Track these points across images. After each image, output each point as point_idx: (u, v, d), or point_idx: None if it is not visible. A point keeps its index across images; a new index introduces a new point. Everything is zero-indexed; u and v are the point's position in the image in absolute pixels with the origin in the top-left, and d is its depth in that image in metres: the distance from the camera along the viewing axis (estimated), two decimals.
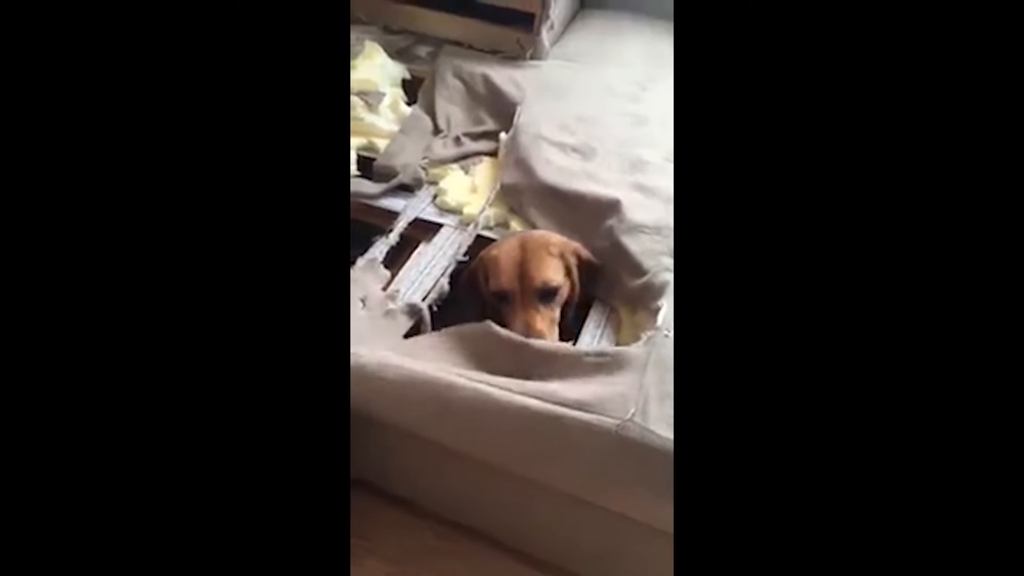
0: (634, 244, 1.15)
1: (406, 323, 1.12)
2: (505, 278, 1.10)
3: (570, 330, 1.13)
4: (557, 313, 1.12)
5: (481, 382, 0.92)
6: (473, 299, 1.18)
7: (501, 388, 0.90)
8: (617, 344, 1.11)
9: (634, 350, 0.95)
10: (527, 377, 0.94)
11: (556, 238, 1.17)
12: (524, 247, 1.13)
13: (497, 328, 1.03)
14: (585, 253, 1.18)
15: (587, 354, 0.96)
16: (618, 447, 0.84)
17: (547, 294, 1.10)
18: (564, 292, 1.12)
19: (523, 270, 1.10)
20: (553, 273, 1.10)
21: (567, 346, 1.03)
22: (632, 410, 0.85)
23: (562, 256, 1.13)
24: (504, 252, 1.13)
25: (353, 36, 1.65)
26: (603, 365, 0.92)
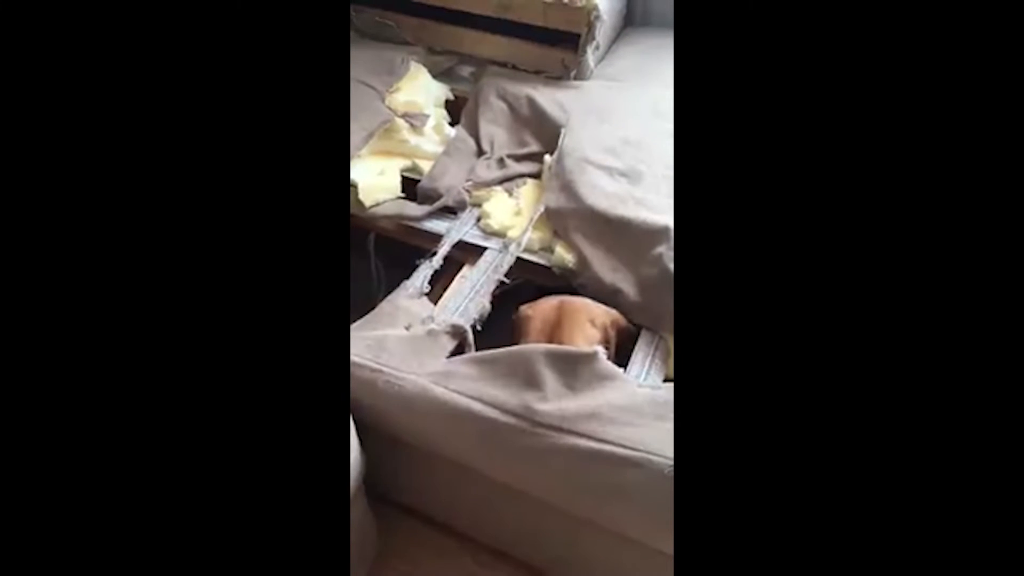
0: None
1: (449, 344, 1.11)
2: (533, 340, 1.05)
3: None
4: None
5: (528, 419, 0.90)
6: None
7: (549, 426, 0.89)
8: (665, 375, 1.08)
9: None
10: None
11: (598, 309, 1.11)
12: (561, 310, 1.09)
13: (545, 347, 0.98)
14: (623, 322, 1.13)
15: (640, 385, 0.94)
16: (668, 488, 0.82)
17: None
18: None
19: (554, 335, 1.05)
20: (584, 343, 1.02)
21: (620, 371, 0.99)
22: None
23: (604, 329, 1.08)
24: (539, 313, 1.09)
25: (398, 57, 1.66)
26: (655, 403, 0.90)
